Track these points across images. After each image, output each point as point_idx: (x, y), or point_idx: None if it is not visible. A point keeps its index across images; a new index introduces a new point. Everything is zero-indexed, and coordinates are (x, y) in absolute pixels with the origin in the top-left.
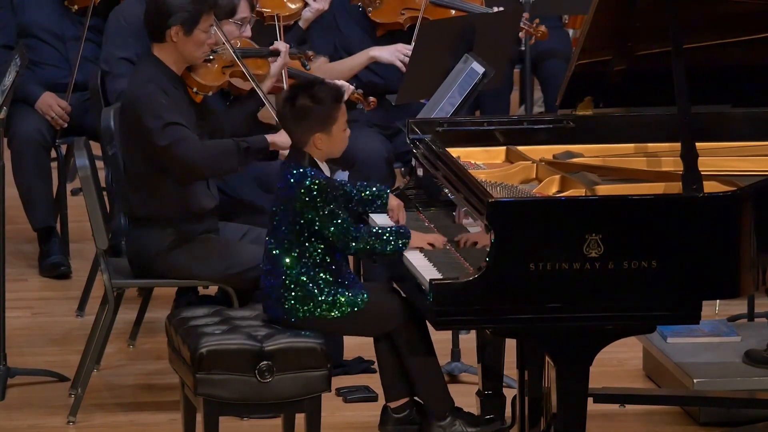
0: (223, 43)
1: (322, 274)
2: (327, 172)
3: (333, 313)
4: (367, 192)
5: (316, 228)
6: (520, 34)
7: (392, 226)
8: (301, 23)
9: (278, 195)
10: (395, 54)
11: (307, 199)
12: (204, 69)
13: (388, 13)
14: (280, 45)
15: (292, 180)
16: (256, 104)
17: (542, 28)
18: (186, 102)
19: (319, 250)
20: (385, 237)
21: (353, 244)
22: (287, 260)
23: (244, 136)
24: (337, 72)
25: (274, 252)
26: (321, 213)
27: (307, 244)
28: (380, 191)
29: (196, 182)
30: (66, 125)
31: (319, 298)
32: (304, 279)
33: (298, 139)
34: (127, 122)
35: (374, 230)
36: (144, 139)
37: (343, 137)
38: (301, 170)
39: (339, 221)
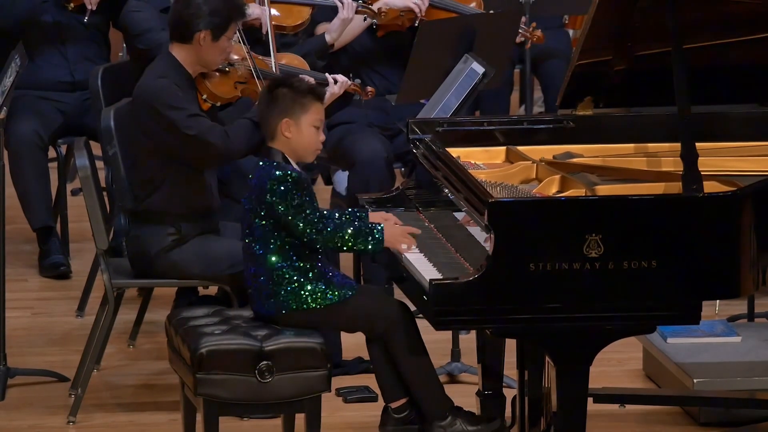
0: (243, 59)
1: (308, 265)
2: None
3: (324, 302)
4: (346, 215)
5: (288, 219)
6: (517, 38)
7: (364, 224)
8: (328, 38)
9: (250, 192)
10: None
11: (277, 189)
12: (218, 79)
13: (388, 16)
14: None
15: (263, 172)
16: None
17: (538, 32)
18: (196, 102)
19: (300, 243)
20: (353, 232)
21: (318, 237)
22: (272, 257)
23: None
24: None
25: (257, 250)
26: (289, 205)
27: (287, 238)
28: (359, 212)
29: (201, 178)
30: (96, 5)
31: (311, 288)
32: (293, 272)
33: (269, 129)
34: (140, 117)
35: (342, 226)
36: (159, 133)
37: (312, 134)
38: (275, 163)
39: (306, 213)
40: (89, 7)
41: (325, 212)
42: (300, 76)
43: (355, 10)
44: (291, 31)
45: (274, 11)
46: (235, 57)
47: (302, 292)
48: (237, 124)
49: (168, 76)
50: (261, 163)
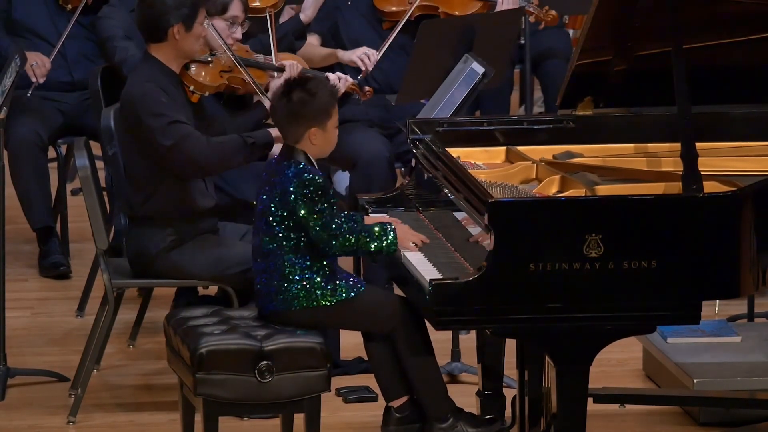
0: (223, 49)
1: (318, 264)
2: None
3: (333, 300)
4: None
5: (308, 224)
6: (531, 18)
7: (376, 225)
8: (302, 17)
9: (271, 190)
10: (357, 53)
11: (301, 192)
12: (201, 69)
13: (393, 1)
14: (286, 62)
15: (290, 174)
16: (263, 114)
17: (553, 12)
18: (184, 101)
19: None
20: (366, 236)
21: (334, 242)
22: (286, 255)
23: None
24: (308, 57)
25: (270, 247)
26: (311, 209)
27: (302, 236)
28: (354, 215)
29: (195, 181)
30: (44, 79)
31: (321, 285)
32: (304, 270)
33: (292, 134)
34: (127, 122)
35: (357, 229)
36: (145, 139)
37: (335, 135)
38: (301, 166)
39: (325, 219)
40: (33, 80)
41: (342, 216)
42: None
43: None
44: (268, 11)
45: None
46: (216, 47)
47: (312, 290)
48: (225, 139)
49: (153, 80)
50: (285, 163)
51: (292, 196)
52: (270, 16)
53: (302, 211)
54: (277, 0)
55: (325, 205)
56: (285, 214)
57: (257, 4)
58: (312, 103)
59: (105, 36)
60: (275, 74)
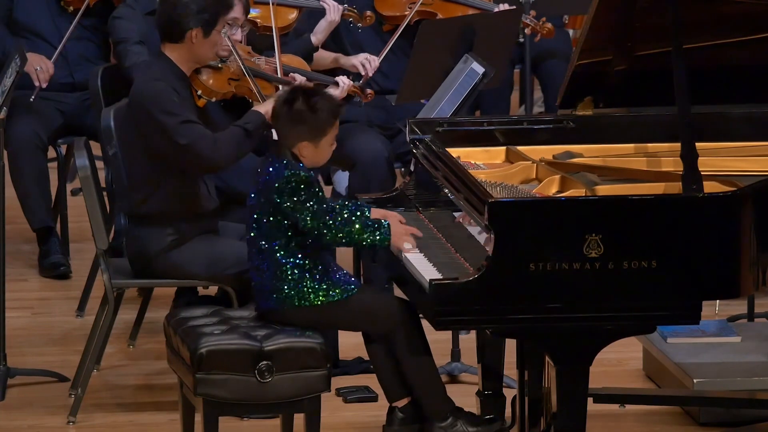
0: (233, 55)
1: (312, 262)
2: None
3: (327, 299)
4: (347, 209)
5: (296, 216)
6: (527, 30)
7: (370, 219)
8: (313, 39)
9: (259, 188)
10: (359, 58)
11: (285, 188)
12: (211, 75)
13: (394, 6)
14: (298, 76)
15: (272, 170)
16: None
17: (548, 25)
18: (192, 103)
19: (308, 240)
20: (361, 227)
21: (326, 231)
22: (277, 253)
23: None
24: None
25: (262, 245)
26: (297, 201)
27: (291, 234)
28: (361, 207)
29: (197, 183)
30: (46, 84)
31: (314, 285)
32: (297, 268)
33: (286, 140)
34: (135, 119)
35: (350, 221)
36: (154, 136)
37: (328, 151)
38: (284, 162)
39: (313, 209)
40: (36, 84)
41: (332, 206)
42: (315, 82)
43: (341, 13)
44: (278, 33)
45: (256, 11)
46: (227, 54)
47: (305, 289)
48: (228, 133)
49: (164, 79)
50: (270, 160)
51: (276, 194)
52: (276, 35)
53: (287, 204)
54: (289, 23)
55: (311, 195)
56: (272, 210)
57: (270, 26)
58: (310, 119)
59: (119, 38)
60: (282, 86)
